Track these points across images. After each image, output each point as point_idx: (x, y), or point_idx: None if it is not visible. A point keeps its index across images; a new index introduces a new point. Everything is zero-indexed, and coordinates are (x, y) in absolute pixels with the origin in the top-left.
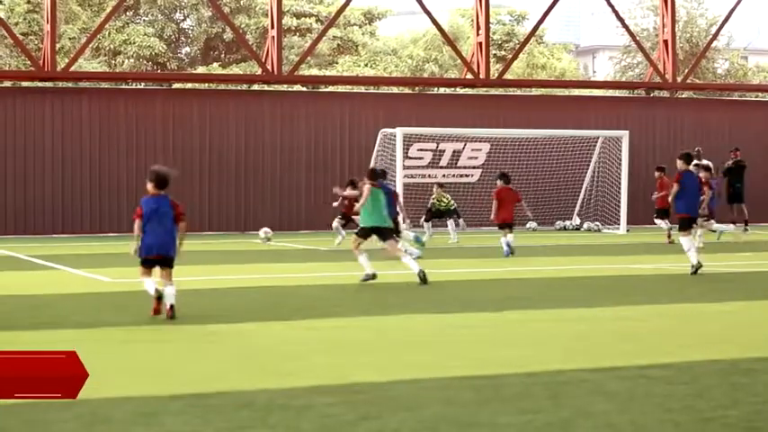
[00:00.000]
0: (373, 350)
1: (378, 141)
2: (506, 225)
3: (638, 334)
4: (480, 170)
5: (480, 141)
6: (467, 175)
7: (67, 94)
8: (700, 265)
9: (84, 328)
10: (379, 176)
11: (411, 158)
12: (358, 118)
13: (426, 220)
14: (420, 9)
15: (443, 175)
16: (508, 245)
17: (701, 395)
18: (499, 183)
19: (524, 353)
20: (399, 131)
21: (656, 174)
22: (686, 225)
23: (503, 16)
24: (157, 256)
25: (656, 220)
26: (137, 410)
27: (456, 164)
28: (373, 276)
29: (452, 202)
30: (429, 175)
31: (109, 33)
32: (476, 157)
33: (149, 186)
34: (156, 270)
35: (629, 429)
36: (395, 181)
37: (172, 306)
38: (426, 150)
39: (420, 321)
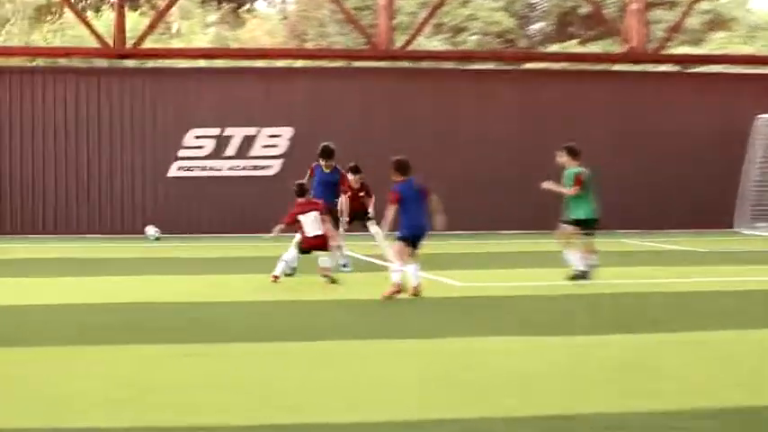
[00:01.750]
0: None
1: (754, 128)
2: None
3: None
4: None
5: None
6: None
7: (405, 74)
8: None
9: (365, 340)
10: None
11: None
12: (731, 101)
13: None
14: None
15: None
16: None
17: None
18: None
19: None
20: None
21: None
22: None
23: None
24: (416, 236)
25: None
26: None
27: None
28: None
29: None
30: None
31: (451, 8)
32: None
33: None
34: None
35: None
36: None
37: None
38: None
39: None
